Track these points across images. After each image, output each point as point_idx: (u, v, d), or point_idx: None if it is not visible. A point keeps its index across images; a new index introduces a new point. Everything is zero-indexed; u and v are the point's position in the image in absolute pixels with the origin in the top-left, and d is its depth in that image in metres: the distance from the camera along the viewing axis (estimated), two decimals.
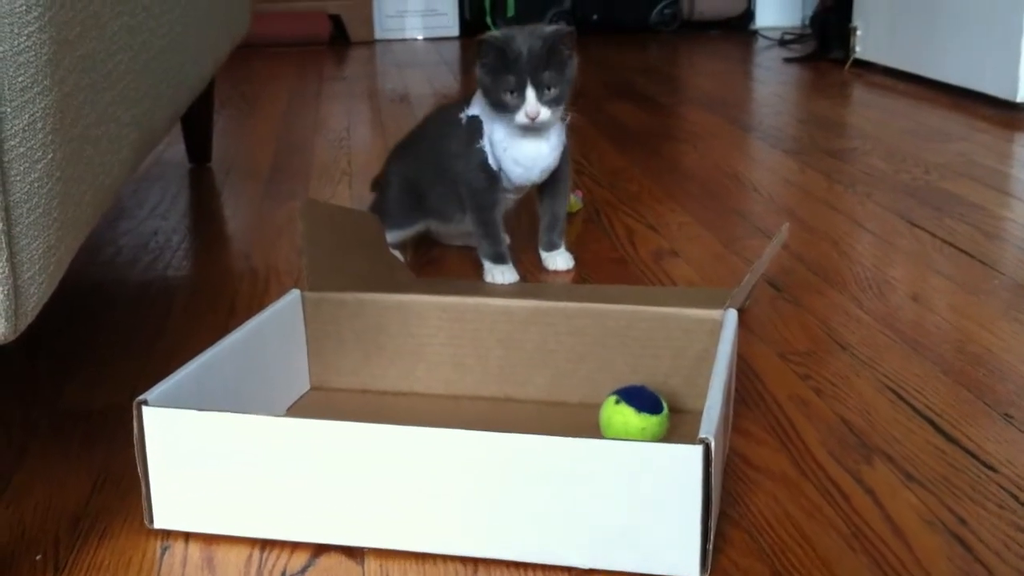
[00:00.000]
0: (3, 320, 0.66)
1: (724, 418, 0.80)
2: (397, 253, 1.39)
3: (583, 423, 0.94)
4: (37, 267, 0.68)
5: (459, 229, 1.39)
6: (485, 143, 1.29)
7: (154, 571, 0.77)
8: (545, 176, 1.33)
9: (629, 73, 3.09)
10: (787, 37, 3.64)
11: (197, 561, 0.78)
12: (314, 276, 1.04)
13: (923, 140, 2.12)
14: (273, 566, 0.77)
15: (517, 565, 0.76)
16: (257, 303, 1.26)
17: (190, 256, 1.49)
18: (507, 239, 1.45)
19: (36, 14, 0.66)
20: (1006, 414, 0.97)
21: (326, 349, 1.04)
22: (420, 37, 4.05)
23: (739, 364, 1.07)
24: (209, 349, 0.88)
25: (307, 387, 1.05)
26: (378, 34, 4.01)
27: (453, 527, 0.76)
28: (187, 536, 0.81)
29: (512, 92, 1.23)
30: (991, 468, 0.88)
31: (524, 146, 1.28)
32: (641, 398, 0.90)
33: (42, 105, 0.68)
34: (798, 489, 0.85)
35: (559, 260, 1.38)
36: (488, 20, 3.88)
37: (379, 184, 1.48)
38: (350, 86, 2.98)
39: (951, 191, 1.73)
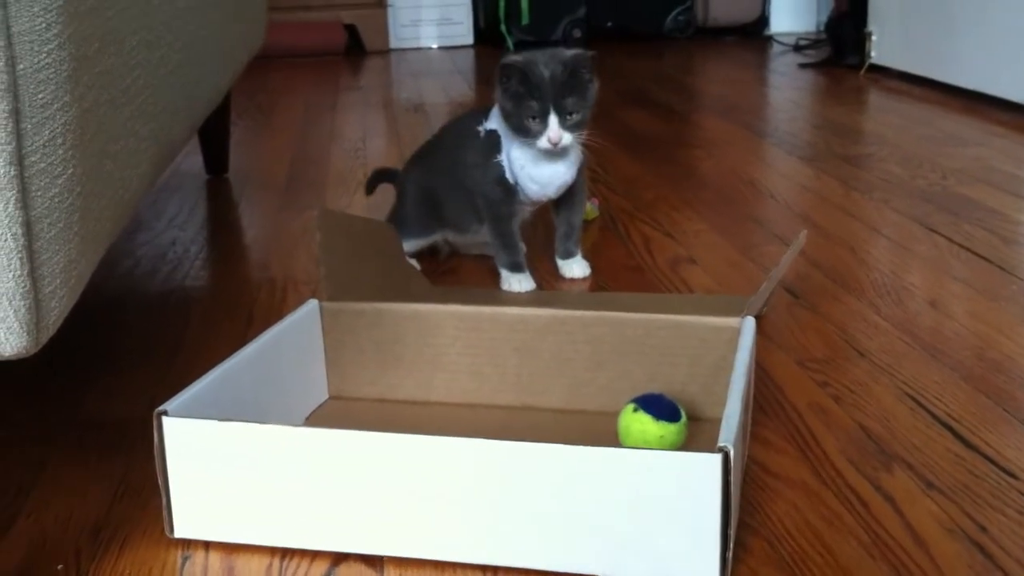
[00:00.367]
0: (25, 334, 0.66)
1: (743, 426, 0.79)
2: (413, 262, 1.39)
3: (601, 431, 0.94)
4: (58, 281, 0.69)
5: (476, 239, 1.40)
6: (503, 158, 1.29)
7: None
8: (562, 192, 1.33)
9: (643, 80, 3.09)
10: (802, 43, 3.63)
11: (218, 570, 0.78)
12: (331, 286, 1.04)
13: (939, 145, 2.11)
14: (293, 575, 0.78)
15: (536, 573, 0.76)
16: (275, 313, 1.26)
17: (208, 267, 1.50)
18: (523, 248, 1.45)
19: (56, 31, 0.66)
20: None
21: (344, 359, 1.04)
22: (435, 46, 4.06)
23: (757, 371, 1.07)
24: (228, 359, 0.89)
25: (325, 397, 1.05)
26: (393, 43, 4.02)
27: (471, 535, 0.76)
28: (207, 545, 0.81)
29: (535, 118, 1.23)
30: (1012, 475, 0.87)
31: (542, 166, 1.29)
32: (659, 406, 0.90)
33: (62, 121, 0.68)
34: (818, 497, 0.85)
35: (575, 268, 1.38)
36: (502, 28, 3.89)
37: (396, 196, 1.48)
38: (365, 96, 2.99)
39: (968, 196, 1.72)
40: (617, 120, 2.47)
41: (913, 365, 1.09)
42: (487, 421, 1.00)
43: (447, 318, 1.03)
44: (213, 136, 2.01)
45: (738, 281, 1.37)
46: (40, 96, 0.65)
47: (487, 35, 4.02)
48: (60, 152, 0.68)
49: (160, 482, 0.80)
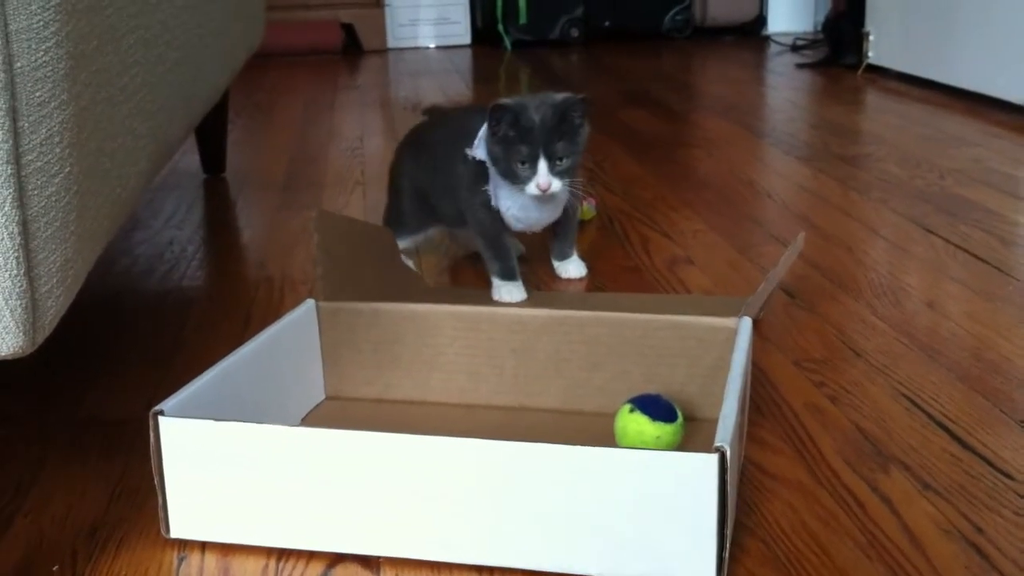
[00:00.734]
0: (21, 333, 0.66)
1: (739, 426, 0.79)
2: (410, 263, 1.39)
3: (598, 432, 0.94)
4: (55, 280, 0.69)
5: (470, 234, 1.39)
6: (490, 188, 1.27)
7: None
8: (548, 224, 1.32)
9: (642, 80, 3.09)
10: (800, 43, 3.63)
11: (213, 571, 0.78)
12: (328, 286, 1.04)
13: (937, 146, 2.11)
14: (289, 575, 0.77)
15: (532, 574, 0.76)
16: (272, 312, 1.26)
17: (205, 266, 1.50)
18: (521, 248, 1.45)
19: (53, 29, 0.66)
20: (1023, 422, 0.97)
21: (341, 358, 1.04)
22: (432, 45, 4.06)
23: (754, 372, 1.07)
24: (225, 359, 0.89)
25: (322, 396, 1.05)
26: (391, 43, 4.02)
27: (468, 536, 0.76)
28: (203, 546, 0.81)
29: (523, 163, 1.20)
30: (1008, 476, 0.87)
31: (528, 210, 1.27)
32: (656, 406, 0.90)
33: (59, 119, 0.68)
34: (814, 498, 0.85)
35: (571, 268, 1.38)
36: (500, 28, 3.89)
37: (389, 191, 1.47)
38: (363, 95, 2.99)
39: (966, 197, 1.72)
40: (615, 120, 2.47)
41: (910, 366, 1.09)
42: (484, 421, 1.00)
43: (445, 318, 1.03)
44: (211, 135, 2.01)
45: (736, 281, 1.37)
46: (37, 94, 0.65)
47: (485, 35, 4.02)
48: (57, 150, 0.68)
49: (156, 482, 0.80)
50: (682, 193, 1.80)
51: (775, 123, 2.46)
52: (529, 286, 1.32)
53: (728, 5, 4.00)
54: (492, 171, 1.26)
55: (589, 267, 1.40)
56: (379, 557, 0.79)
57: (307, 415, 1.02)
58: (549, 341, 1.00)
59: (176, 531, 0.81)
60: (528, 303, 1.27)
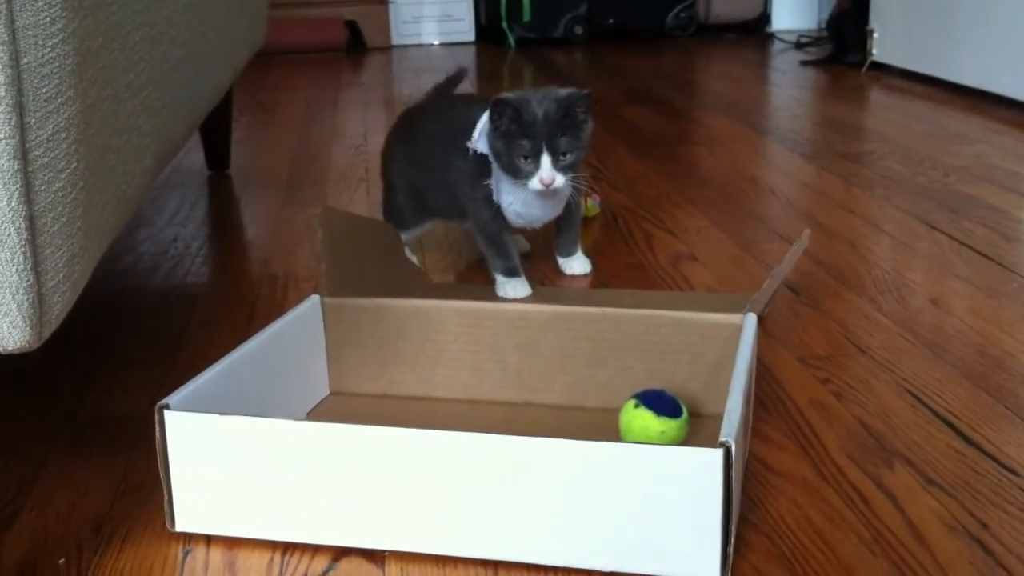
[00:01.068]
0: (28, 328, 0.66)
1: (744, 422, 0.80)
2: (414, 259, 1.39)
3: (602, 428, 0.94)
4: (61, 275, 0.69)
5: (466, 227, 1.38)
6: (492, 182, 1.26)
7: (176, 575, 0.78)
8: (549, 221, 1.31)
9: (645, 77, 3.09)
10: (803, 40, 3.63)
11: (219, 565, 0.78)
12: (332, 282, 1.04)
13: (941, 143, 2.11)
14: (294, 570, 0.78)
15: (537, 568, 0.76)
16: (276, 309, 1.27)
17: (209, 263, 1.50)
18: (526, 245, 1.45)
19: (60, 26, 0.66)
20: None
21: (345, 354, 1.04)
22: (436, 42, 4.06)
23: (758, 368, 1.07)
24: (229, 354, 0.89)
25: (326, 392, 1.05)
26: (394, 40, 4.02)
27: (473, 530, 0.76)
28: (208, 540, 0.81)
29: (526, 158, 1.19)
30: (1013, 472, 0.88)
31: (530, 206, 1.26)
32: (661, 402, 0.90)
33: (66, 116, 0.68)
34: (818, 493, 0.85)
35: (576, 265, 1.38)
36: (504, 25, 3.89)
37: (383, 184, 1.45)
38: (367, 92, 2.99)
39: (969, 194, 1.72)
40: (619, 117, 2.47)
41: (914, 362, 1.09)
42: (488, 417, 1.00)
43: (448, 314, 1.03)
44: (215, 132, 2.01)
45: (740, 278, 1.37)
46: (44, 91, 0.65)
47: (489, 32, 4.02)
48: (64, 147, 0.68)
49: (161, 476, 0.81)
50: (686, 190, 1.80)
51: (778, 120, 2.46)
52: (533, 282, 1.32)
53: (732, 3, 3.99)
54: (494, 166, 1.25)
55: (593, 263, 1.40)
56: (384, 551, 0.79)
57: (311, 410, 1.02)
58: (553, 337, 1.01)
59: (181, 525, 0.82)
60: (532, 299, 1.28)
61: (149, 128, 0.95)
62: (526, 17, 3.89)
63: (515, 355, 1.02)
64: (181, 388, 0.82)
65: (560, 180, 1.20)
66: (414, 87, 3.04)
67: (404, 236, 1.38)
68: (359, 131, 2.41)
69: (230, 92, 1.92)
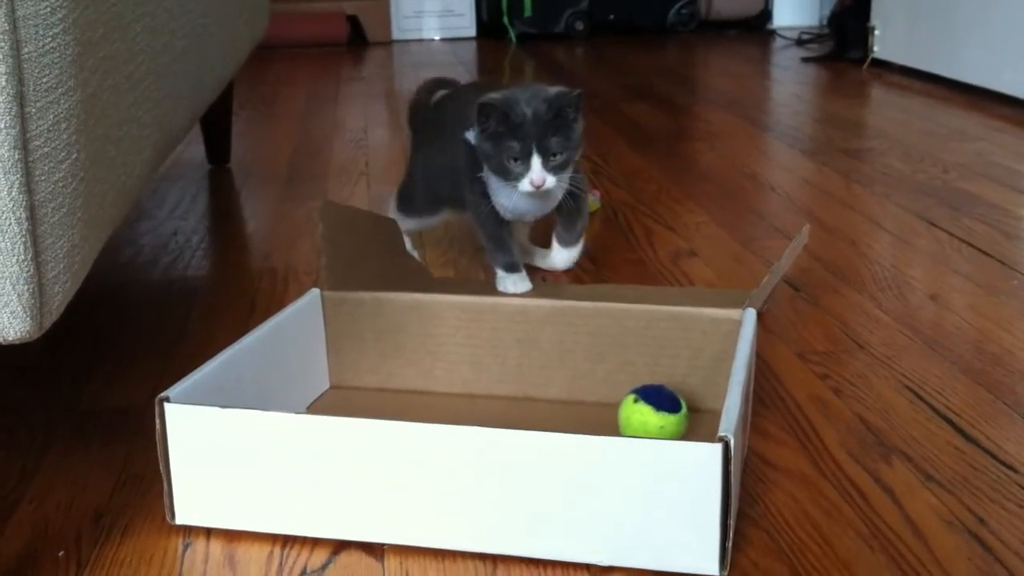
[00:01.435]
0: (28, 318, 0.66)
1: (743, 417, 0.80)
2: (415, 253, 1.39)
3: (601, 422, 0.94)
4: (61, 266, 0.69)
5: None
6: (485, 174, 1.22)
7: (176, 567, 0.78)
8: (539, 216, 1.28)
9: (646, 74, 3.09)
10: (805, 37, 3.63)
11: (218, 558, 0.79)
12: (332, 276, 1.04)
13: (941, 140, 2.11)
14: (294, 563, 0.78)
15: (536, 562, 0.76)
16: (276, 303, 1.27)
17: (210, 256, 1.50)
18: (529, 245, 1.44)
19: (61, 15, 0.66)
20: None
21: (345, 348, 1.04)
22: (437, 38, 4.06)
23: (758, 364, 1.07)
24: (230, 347, 0.89)
25: (326, 385, 1.05)
26: (395, 35, 4.02)
27: (472, 524, 0.77)
28: (208, 532, 0.81)
29: (516, 159, 1.14)
30: (1011, 468, 0.88)
31: (518, 204, 1.22)
32: (660, 397, 0.90)
33: (66, 106, 0.68)
34: (817, 489, 0.85)
35: (558, 258, 1.31)
36: (505, 20, 3.88)
37: (407, 166, 1.42)
38: (368, 87, 2.99)
39: (969, 191, 1.72)
40: (619, 113, 2.47)
41: (913, 358, 1.09)
42: (487, 411, 1.00)
43: (448, 308, 1.03)
44: (215, 126, 2.01)
45: (739, 274, 1.37)
46: (45, 80, 0.65)
47: (490, 27, 4.01)
48: (64, 137, 0.68)
49: (161, 468, 0.81)
50: (686, 186, 1.80)
51: (779, 117, 2.46)
52: (533, 277, 1.32)
53: None
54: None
55: (593, 259, 1.39)
56: (383, 544, 0.79)
57: (311, 404, 1.02)
58: (553, 332, 1.01)
59: (181, 517, 0.82)
60: (532, 294, 1.27)
61: (149, 119, 0.95)
62: (527, 12, 3.88)
63: (515, 349, 1.02)
64: (181, 381, 0.82)
65: (551, 181, 1.16)
66: (414, 82, 3.04)
67: (413, 223, 1.36)
68: (360, 125, 2.40)
69: (231, 85, 1.92)
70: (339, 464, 0.77)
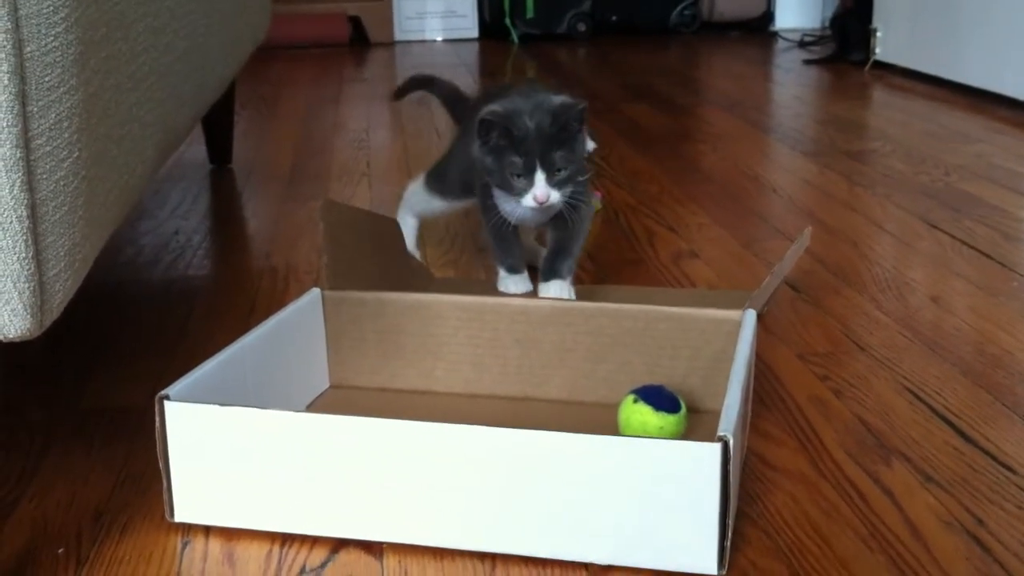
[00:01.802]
0: (29, 316, 0.67)
1: (742, 417, 0.80)
2: (416, 253, 1.39)
3: (601, 422, 0.94)
4: (62, 264, 0.69)
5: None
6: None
7: (175, 565, 0.78)
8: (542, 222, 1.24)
9: (648, 75, 3.09)
10: (807, 39, 3.63)
11: (217, 556, 0.79)
12: (334, 275, 1.04)
13: (942, 142, 2.11)
14: (293, 561, 0.78)
15: (535, 561, 0.77)
16: (277, 303, 1.27)
17: (211, 256, 1.50)
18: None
19: (63, 15, 0.67)
20: None
21: (345, 347, 1.05)
22: (439, 39, 4.06)
23: (758, 364, 1.07)
24: (230, 346, 0.89)
25: (326, 385, 1.05)
26: (398, 36, 4.02)
27: (471, 523, 0.77)
28: (207, 530, 0.82)
29: (519, 175, 1.11)
30: (1010, 469, 0.88)
31: (523, 213, 1.18)
32: (659, 397, 0.91)
33: (68, 104, 0.68)
34: (816, 489, 0.85)
35: (552, 288, 1.20)
36: (507, 22, 3.88)
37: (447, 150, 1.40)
38: (370, 88, 2.99)
39: (970, 193, 1.72)
40: (621, 114, 2.47)
41: (913, 360, 1.10)
42: (488, 411, 1.00)
43: (449, 308, 1.03)
44: (217, 126, 2.01)
45: (740, 275, 1.37)
46: (47, 79, 0.66)
47: (492, 28, 4.02)
48: (66, 135, 0.68)
49: (161, 466, 0.81)
50: (687, 187, 1.80)
51: (781, 119, 2.46)
52: (534, 278, 1.32)
53: (736, 1, 3.99)
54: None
55: (594, 260, 1.39)
56: (382, 543, 0.79)
57: (311, 403, 1.02)
58: (553, 332, 1.01)
59: (180, 515, 0.82)
60: (533, 294, 1.28)
61: (151, 119, 0.95)
62: (529, 13, 3.88)
63: (515, 350, 1.02)
64: (181, 379, 0.82)
65: (556, 196, 1.12)
66: None
67: (435, 204, 1.34)
68: (361, 126, 2.41)
69: (233, 85, 1.92)
70: (338, 462, 0.77)
